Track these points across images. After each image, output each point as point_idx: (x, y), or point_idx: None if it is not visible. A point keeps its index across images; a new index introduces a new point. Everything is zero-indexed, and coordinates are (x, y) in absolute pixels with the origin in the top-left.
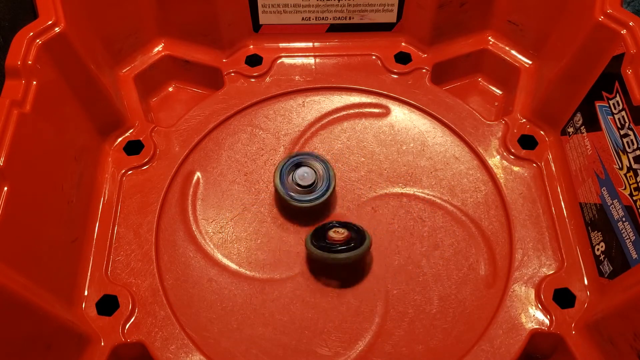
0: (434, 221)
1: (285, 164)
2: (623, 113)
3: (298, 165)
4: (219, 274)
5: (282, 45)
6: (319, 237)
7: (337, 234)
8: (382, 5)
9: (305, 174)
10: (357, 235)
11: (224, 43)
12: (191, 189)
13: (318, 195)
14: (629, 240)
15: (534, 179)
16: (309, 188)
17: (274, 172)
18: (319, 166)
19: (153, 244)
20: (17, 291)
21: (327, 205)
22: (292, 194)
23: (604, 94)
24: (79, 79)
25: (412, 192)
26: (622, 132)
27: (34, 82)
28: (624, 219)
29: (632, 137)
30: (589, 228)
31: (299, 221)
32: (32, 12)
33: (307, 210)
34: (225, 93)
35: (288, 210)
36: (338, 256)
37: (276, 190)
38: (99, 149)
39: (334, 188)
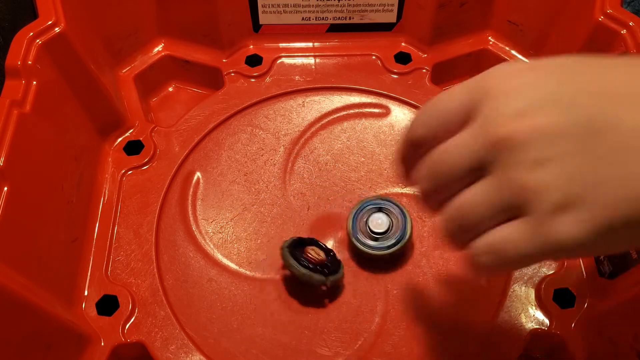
0: (434, 221)
1: (359, 209)
2: None
3: (372, 210)
4: (219, 274)
5: (282, 45)
6: (296, 247)
7: (314, 253)
8: (382, 5)
9: (380, 221)
10: (332, 263)
11: (224, 43)
12: (191, 189)
13: (391, 243)
14: None
15: None
16: (383, 235)
17: (348, 218)
18: (394, 212)
19: (153, 244)
20: (17, 291)
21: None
22: (367, 241)
23: None
24: (79, 79)
25: (412, 192)
26: None
27: (34, 82)
28: None
29: None
30: None
31: (298, 222)
32: (32, 12)
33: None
34: (225, 93)
35: (288, 212)
36: (313, 276)
37: (349, 238)
38: (99, 149)
39: (410, 236)
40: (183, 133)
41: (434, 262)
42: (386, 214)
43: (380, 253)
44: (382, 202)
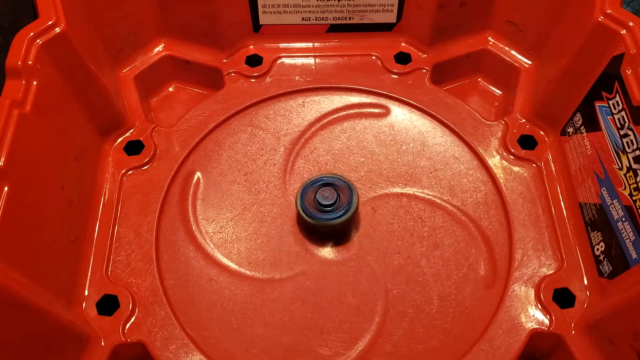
0: (434, 221)
1: (309, 184)
2: (623, 113)
3: (323, 185)
4: (219, 274)
5: (282, 45)
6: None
7: (326, 198)
8: (382, 6)
9: (327, 194)
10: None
11: (224, 43)
12: (191, 189)
13: (338, 215)
14: (629, 240)
15: (534, 179)
16: (330, 208)
17: (297, 193)
18: (342, 187)
19: (153, 244)
20: (18, 291)
21: (350, 225)
22: (312, 212)
23: (604, 94)
24: (79, 79)
25: (412, 192)
26: (621, 132)
27: (34, 82)
28: (623, 219)
29: (632, 137)
30: (589, 228)
31: (299, 221)
32: (32, 12)
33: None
34: (225, 93)
35: (288, 212)
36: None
37: (297, 209)
38: (99, 149)
39: (356, 209)
40: (183, 133)
41: (433, 262)
42: (332, 187)
43: (332, 223)
44: (327, 178)
